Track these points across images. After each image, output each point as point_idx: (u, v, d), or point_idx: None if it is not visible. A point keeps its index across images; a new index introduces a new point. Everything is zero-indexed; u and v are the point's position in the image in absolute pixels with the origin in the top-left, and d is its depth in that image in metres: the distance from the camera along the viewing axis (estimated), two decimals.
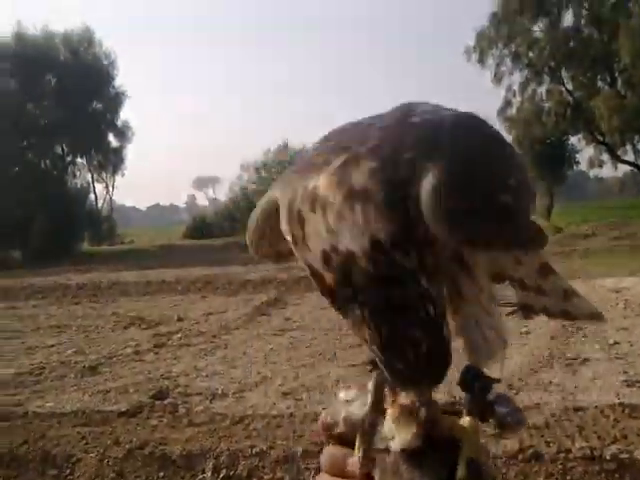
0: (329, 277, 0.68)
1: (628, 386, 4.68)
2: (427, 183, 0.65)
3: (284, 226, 0.73)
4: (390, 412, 0.77)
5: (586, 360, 5.50)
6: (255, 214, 0.83)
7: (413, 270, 0.67)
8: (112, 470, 3.69)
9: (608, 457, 3.29)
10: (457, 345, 0.79)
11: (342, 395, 0.84)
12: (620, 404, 4.12)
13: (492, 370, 0.84)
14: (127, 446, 3.89)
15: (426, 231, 0.66)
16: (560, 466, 3.29)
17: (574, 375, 5.11)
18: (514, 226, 0.72)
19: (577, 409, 4.08)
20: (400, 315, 0.67)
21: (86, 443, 4.04)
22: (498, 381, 0.82)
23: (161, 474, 3.65)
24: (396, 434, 0.75)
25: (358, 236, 0.65)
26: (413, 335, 0.67)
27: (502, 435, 0.80)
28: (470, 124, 0.75)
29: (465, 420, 0.79)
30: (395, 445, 0.75)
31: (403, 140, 0.69)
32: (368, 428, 0.78)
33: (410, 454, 0.74)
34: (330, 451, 0.82)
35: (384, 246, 0.65)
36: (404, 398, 0.77)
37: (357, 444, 0.78)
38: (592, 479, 3.21)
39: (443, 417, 0.77)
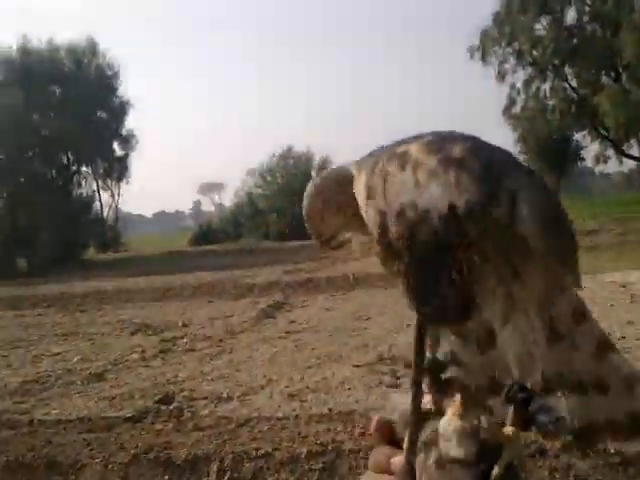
0: (395, 230, 0.72)
1: None
2: (533, 192, 0.71)
3: (360, 184, 0.78)
4: (450, 412, 0.80)
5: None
6: (322, 173, 0.90)
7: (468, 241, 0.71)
8: (117, 475, 3.70)
9: (612, 451, 3.27)
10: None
11: (396, 396, 0.89)
12: None
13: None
14: (132, 451, 3.88)
15: (505, 218, 0.71)
16: (564, 461, 3.27)
17: None
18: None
19: None
20: (433, 275, 0.73)
21: (91, 449, 4.03)
22: (541, 395, 0.84)
23: (166, 477, 3.65)
24: (453, 439, 0.78)
25: (445, 195, 0.69)
26: (443, 293, 0.72)
27: (544, 439, 0.83)
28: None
29: (508, 429, 0.81)
30: (453, 452, 0.78)
31: (491, 150, 0.76)
32: (415, 423, 0.82)
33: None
34: (378, 450, 0.86)
35: (458, 212, 0.70)
36: (460, 403, 0.80)
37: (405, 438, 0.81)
38: (596, 473, 3.19)
39: (489, 423, 0.80)
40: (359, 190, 0.78)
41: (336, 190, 0.84)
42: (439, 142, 0.73)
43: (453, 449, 0.78)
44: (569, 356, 0.86)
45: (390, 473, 0.82)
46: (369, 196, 0.75)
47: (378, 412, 0.89)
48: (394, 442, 0.85)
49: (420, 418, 0.82)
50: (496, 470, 0.76)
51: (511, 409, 0.82)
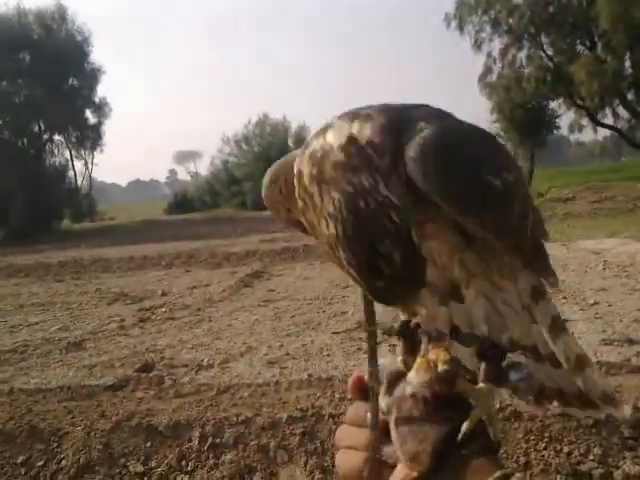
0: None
1: (606, 345, 4.77)
2: (422, 134, 0.72)
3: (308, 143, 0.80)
4: (416, 363, 0.84)
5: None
6: (277, 161, 0.95)
7: (377, 171, 0.71)
8: (99, 442, 3.72)
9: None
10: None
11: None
12: (598, 362, 4.20)
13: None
14: (114, 418, 3.91)
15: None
16: (539, 423, 3.36)
17: None
18: (500, 214, 0.77)
19: None
20: (371, 234, 0.69)
21: (72, 417, 4.05)
22: (511, 350, 0.88)
23: (148, 444, 3.68)
24: (412, 381, 0.82)
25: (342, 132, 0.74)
26: (386, 251, 0.69)
27: (517, 397, 0.90)
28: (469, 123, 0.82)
29: (481, 385, 0.84)
30: (407, 390, 0.83)
31: (416, 108, 0.79)
32: (375, 373, 0.86)
33: (425, 404, 0.80)
34: (354, 405, 0.91)
35: (358, 141, 0.73)
36: (432, 354, 0.83)
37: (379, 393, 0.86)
38: (570, 435, 3.29)
39: (462, 379, 0.83)
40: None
41: (291, 176, 0.83)
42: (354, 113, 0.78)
43: (409, 387, 0.83)
44: (529, 327, 0.92)
45: (366, 426, 0.86)
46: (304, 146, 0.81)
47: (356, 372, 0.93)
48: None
49: (388, 378, 0.87)
50: (466, 425, 0.78)
51: (483, 365, 0.86)
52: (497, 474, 0.73)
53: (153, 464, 3.57)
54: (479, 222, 0.75)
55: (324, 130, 0.77)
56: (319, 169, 0.74)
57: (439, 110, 0.81)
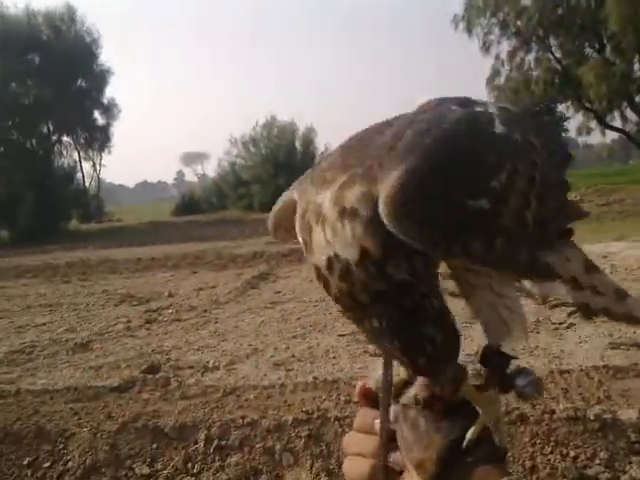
0: (334, 283, 0.73)
1: (613, 348, 4.74)
2: (384, 188, 0.69)
3: (298, 231, 0.79)
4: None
5: (572, 325, 5.56)
6: (274, 209, 0.94)
7: (407, 279, 0.71)
8: (106, 443, 3.73)
9: (592, 417, 3.35)
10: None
11: (376, 364, 0.92)
12: (604, 366, 4.18)
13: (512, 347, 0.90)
14: (120, 419, 3.91)
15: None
16: (545, 427, 3.35)
17: (560, 339, 5.18)
18: (490, 234, 0.72)
19: (562, 372, 4.14)
20: (411, 318, 0.71)
21: (79, 418, 4.06)
22: (516, 357, 0.89)
23: (154, 446, 3.68)
24: (412, 391, 0.84)
25: (349, 247, 0.70)
26: (427, 332, 0.72)
27: (522, 401, 0.87)
28: (455, 128, 0.75)
29: (487, 392, 0.85)
30: (404, 399, 0.85)
31: (393, 155, 0.73)
32: (387, 385, 0.86)
33: (430, 409, 0.82)
34: (362, 412, 0.91)
35: (373, 256, 0.69)
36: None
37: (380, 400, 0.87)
38: (576, 439, 3.28)
39: (467, 386, 0.83)
40: (298, 234, 0.79)
41: (290, 221, 0.84)
42: (342, 188, 0.72)
43: (407, 396, 0.85)
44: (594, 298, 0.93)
45: (374, 433, 0.87)
46: (304, 246, 0.77)
47: (362, 380, 0.94)
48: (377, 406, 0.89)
49: (394, 386, 0.86)
50: (470, 433, 0.79)
51: (488, 372, 0.86)
52: None
53: (159, 466, 3.57)
54: (469, 259, 0.73)
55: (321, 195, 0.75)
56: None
57: (431, 120, 0.77)
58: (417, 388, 0.84)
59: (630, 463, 3.15)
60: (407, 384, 0.86)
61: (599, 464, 3.15)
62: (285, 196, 0.90)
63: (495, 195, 0.71)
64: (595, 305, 0.93)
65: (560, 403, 3.58)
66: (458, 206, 0.68)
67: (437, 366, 0.75)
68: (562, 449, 3.25)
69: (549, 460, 3.20)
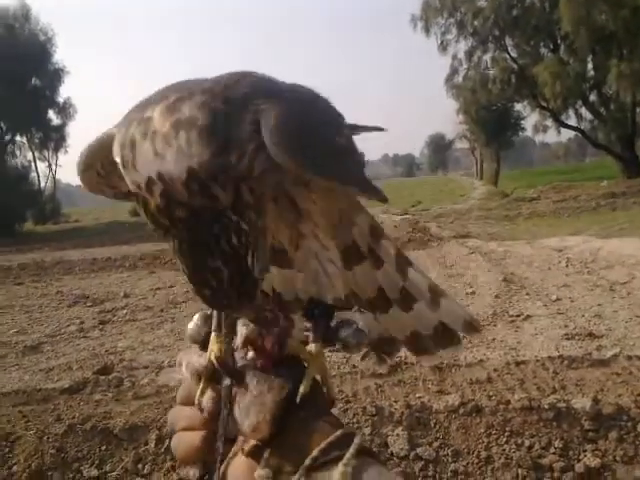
0: (152, 202, 0.72)
1: (568, 339, 4.80)
2: (271, 115, 0.70)
3: (116, 149, 0.76)
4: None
5: (529, 317, 5.62)
6: (89, 144, 0.86)
7: (225, 204, 0.71)
8: (52, 446, 3.60)
9: (546, 406, 3.37)
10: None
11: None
12: (560, 356, 4.23)
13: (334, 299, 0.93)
14: (68, 422, 3.79)
15: (250, 165, 0.71)
16: (500, 417, 3.35)
17: (517, 331, 5.22)
18: (349, 164, 0.82)
19: (518, 363, 4.17)
20: (204, 248, 0.71)
21: (27, 421, 3.92)
22: (339, 308, 0.92)
23: (103, 448, 3.58)
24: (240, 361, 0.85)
25: (179, 161, 0.69)
26: (214, 266, 0.71)
27: (348, 352, 0.92)
28: (305, 88, 0.83)
29: (311, 345, 0.88)
30: (235, 342, 0.86)
31: (239, 83, 0.76)
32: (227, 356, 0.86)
33: (259, 371, 0.82)
34: (185, 385, 0.90)
35: (200, 175, 0.69)
36: (250, 332, 0.85)
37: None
38: (531, 428, 3.29)
39: (292, 342, 0.85)
40: (115, 153, 0.77)
41: (108, 158, 0.81)
42: (177, 101, 0.72)
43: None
44: (372, 275, 1.00)
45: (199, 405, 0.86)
46: (123, 165, 0.75)
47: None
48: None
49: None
50: (302, 388, 0.81)
51: (312, 325, 0.90)
52: (338, 433, 0.74)
53: (108, 468, 3.47)
54: (336, 178, 0.77)
55: (146, 123, 0.73)
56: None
57: (262, 80, 0.80)
58: (239, 339, 0.85)
59: (584, 451, 3.17)
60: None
61: (554, 453, 3.17)
62: (104, 133, 0.84)
63: (348, 137, 0.85)
64: (400, 330, 1.02)
65: (515, 394, 3.60)
66: (333, 140, 0.79)
67: (224, 302, 0.75)
68: (517, 439, 3.26)
69: (504, 450, 3.20)
